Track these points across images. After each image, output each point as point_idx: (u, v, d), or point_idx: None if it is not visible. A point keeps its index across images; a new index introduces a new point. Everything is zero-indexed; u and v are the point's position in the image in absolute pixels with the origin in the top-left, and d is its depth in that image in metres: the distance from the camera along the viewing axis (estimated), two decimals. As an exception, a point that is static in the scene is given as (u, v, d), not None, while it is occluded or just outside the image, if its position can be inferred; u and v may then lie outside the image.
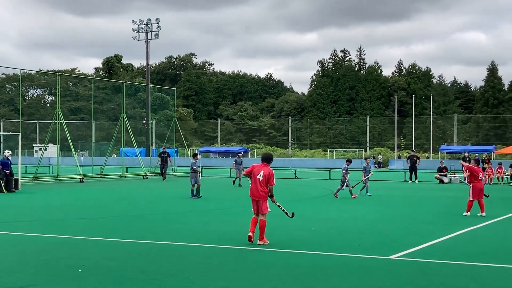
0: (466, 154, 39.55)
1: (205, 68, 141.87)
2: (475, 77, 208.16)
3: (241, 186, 31.36)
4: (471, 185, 17.80)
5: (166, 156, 39.01)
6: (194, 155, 25.69)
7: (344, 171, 24.78)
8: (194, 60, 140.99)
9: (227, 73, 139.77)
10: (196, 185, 24.13)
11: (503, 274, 9.53)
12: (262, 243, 12.18)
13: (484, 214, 17.57)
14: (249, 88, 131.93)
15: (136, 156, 52.68)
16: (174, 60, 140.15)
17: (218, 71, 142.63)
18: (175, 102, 65.44)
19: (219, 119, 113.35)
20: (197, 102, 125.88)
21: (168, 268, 9.79)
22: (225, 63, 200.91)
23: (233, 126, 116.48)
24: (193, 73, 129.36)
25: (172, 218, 17.48)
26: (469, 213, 17.62)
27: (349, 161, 25.94)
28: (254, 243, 12.05)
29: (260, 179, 12.34)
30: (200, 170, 25.42)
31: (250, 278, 9.06)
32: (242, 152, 36.76)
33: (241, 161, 33.73)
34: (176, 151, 65.41)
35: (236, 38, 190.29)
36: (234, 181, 33.33)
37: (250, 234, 12.14)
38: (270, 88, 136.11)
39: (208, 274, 9.36)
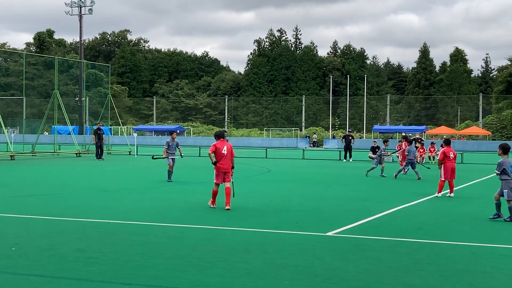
0: (404, 134, 40.39)
1: (140, 45, 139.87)
2: (408, 59, 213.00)
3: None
4: (442, 166, 17.47)
5: (101, 133, 38.23)
6: (172, 133, 22.69)
7: (381, 152, 25.59)
8: (129, 37, 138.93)
9: (162, 50, 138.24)
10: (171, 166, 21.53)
11: (435, 250, 9.78)
12: (228, 207, 14.00)
13: (452, 195, 17.52)
14: (185, 66, 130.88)
15: (69, 133, 51.68)
16: (108, 36, 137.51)
17: (154, 48, 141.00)
18: (109, 79, 64.26)
19: (154, 97, 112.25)
20: (132, 79, 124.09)
21: (103, 246, 9.61)
22: (160, 40, 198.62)
23: (168, 104, 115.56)
24: (128, 50, 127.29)
25: (106, 195, 17.20)
26: (440, 194, 17.47)
27: (386, 141, 26.75)
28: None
29: (226, 153, 14.19)
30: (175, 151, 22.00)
31: (189, 255, 8.99)
32: (226, 132, 32.77)
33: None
34: (110, 129, 64.50)
35: (172, 15, 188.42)
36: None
37: (214, 206, 14.27)
38: (207, 66, 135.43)
39: (145, 251, 9.24)
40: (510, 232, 11.59)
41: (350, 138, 40.10)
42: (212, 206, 14.32)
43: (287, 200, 16.40)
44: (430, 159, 36.35)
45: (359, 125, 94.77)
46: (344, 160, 38.93)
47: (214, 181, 14.28)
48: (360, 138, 78.87)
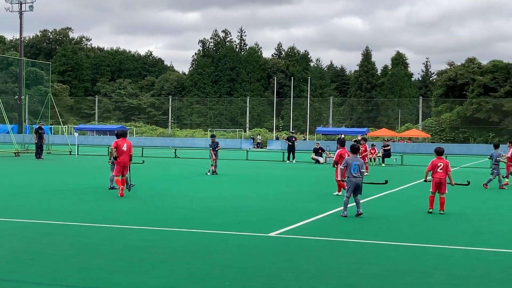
0: (343, 136, 40.86)
1: (82, 44, 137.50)
2: (351, 62, 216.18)
3: (215, 173, 25.77)
4: (337, 166, 17.99)
5: (42, 132, 37.40)
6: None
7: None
8: (71, 35, 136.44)
9: (105, 49, 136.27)
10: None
11: (375, 250, 9.93)
12: (122, 195, 16.18)
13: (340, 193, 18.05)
14: (129, 65, 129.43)
15: (8, 132, 50.41)
16: (49, 34, 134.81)
17: (96, 47, 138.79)
18: (50, 77, 63.03)
19: (96, 96, 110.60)
20: (74, 78, 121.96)
21: (42, 247, 9.41)
22: (103, 39, 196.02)
23: (111, 104, 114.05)
24: (70, 48, 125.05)
25: (45, 196, 16.82)
26: (340, 193, 17.94)
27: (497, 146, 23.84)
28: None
29: (125, 150, 16.58)
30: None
31: (130, 256, 8.89)
32: (215, 135, 29.51)
33: (217, 144, 26.55)
34: (50, 128, 63.29)
35: (116, 14, 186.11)
36: (213, 171, 25.92)
37: (123, 187, 16.36)
38: (150, 66, 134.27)
39: (86, 253, 9.08)
40: (448, 233, 11.87)
41: (294, 139, 40.46)
42: (120, 192, 16.29)
43: (230, 201, 16.39)
44: (371, 161, 36.89)
45: (303, 126, 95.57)
46: (288, 161, 39.18)
47: (114, 174, 16.85)
48: (304, 139, 79.48)
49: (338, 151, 18.62)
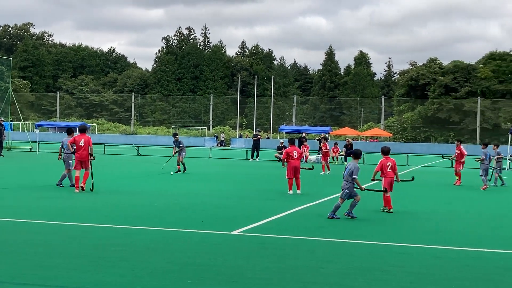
0: (304, 134, 41.06)
1: (43, 39, 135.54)
2: (314, 61, 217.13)
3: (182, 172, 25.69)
4: (287, 164, 18.24)
5: (2, 129, 36.75)
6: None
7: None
8: (32, 30, 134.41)
9: (67, 45, 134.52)
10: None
11: (335, 248, 10.01)
12: (83, 185, 16.80)
13: (299, 192, 18.11)
14: (91, 61, 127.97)
15: (-34, 129, 49.31)
16: (10, 29, 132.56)
17: (58, 42, 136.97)
18: (10, 73, 62.00)
19: (58, 92, 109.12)
20: (35, 74, 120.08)
21: (1, 246, 9.27)
22: (65, 35, 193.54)
23: (73, 101, 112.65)
24: (31, 44, 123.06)
25: (4, 193, 16.53)
26: (291, 192, 18.07)
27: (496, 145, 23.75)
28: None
29: (83, 145, 16.89)
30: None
31: (89, 254, 8.80)
32: (178, 133, 29.50)
33: (180, 143, 26.12)
34: (11, 124, 62.29)
35: (78, 10, 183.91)
36: (182, 169, 25.96)
37: (82, 185, 16.78)
38: (113, 62, 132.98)
39: (45, 251, 8.97)
40: (406, 231, 12.03)
41: (259, 137, 40.68)
42: (76, 190, 16.71)
43: (193, 198, 16.35)
44: (333, 159, 37.12)
45: (266, 125, 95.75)
46: (251, 160, 39.22)
47: (74, 168, 17.14)
48: (267, 138, 79.64)
49: (286, 149, 18.77)
